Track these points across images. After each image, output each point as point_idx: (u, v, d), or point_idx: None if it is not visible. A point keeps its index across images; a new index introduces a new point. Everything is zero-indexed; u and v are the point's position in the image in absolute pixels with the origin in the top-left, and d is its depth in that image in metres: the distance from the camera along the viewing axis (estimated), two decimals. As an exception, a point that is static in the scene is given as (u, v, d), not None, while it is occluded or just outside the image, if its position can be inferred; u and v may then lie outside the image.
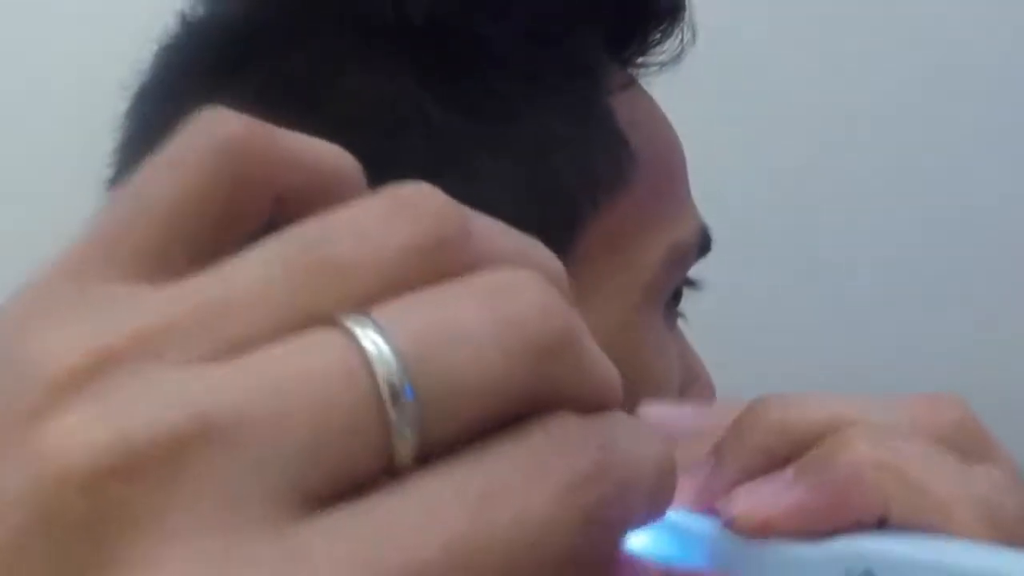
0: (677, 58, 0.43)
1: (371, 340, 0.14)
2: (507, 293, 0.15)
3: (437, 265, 0.15)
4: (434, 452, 0.14)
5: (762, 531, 0.23)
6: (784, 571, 0.23)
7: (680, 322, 0.42)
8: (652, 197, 0.37)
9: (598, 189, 0.35)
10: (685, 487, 0.25)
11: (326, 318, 0.15)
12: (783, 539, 0.23)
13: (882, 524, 0.23)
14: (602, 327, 0.30)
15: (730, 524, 0.23)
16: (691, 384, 0.41)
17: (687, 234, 0.38)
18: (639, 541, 0.24)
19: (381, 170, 0.18)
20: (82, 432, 0.13)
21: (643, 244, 0.36)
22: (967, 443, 0.25)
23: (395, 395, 0.14)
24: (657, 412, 0.28)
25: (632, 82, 0.41)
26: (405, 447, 0.14)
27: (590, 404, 0.16)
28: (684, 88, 0.42)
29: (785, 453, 0.24)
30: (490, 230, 0.17)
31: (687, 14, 0.42)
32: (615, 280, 0.34)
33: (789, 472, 0.24)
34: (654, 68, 0.43)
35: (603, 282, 0.34)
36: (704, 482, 0.25)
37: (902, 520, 0.23)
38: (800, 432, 0.24)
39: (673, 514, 0.23)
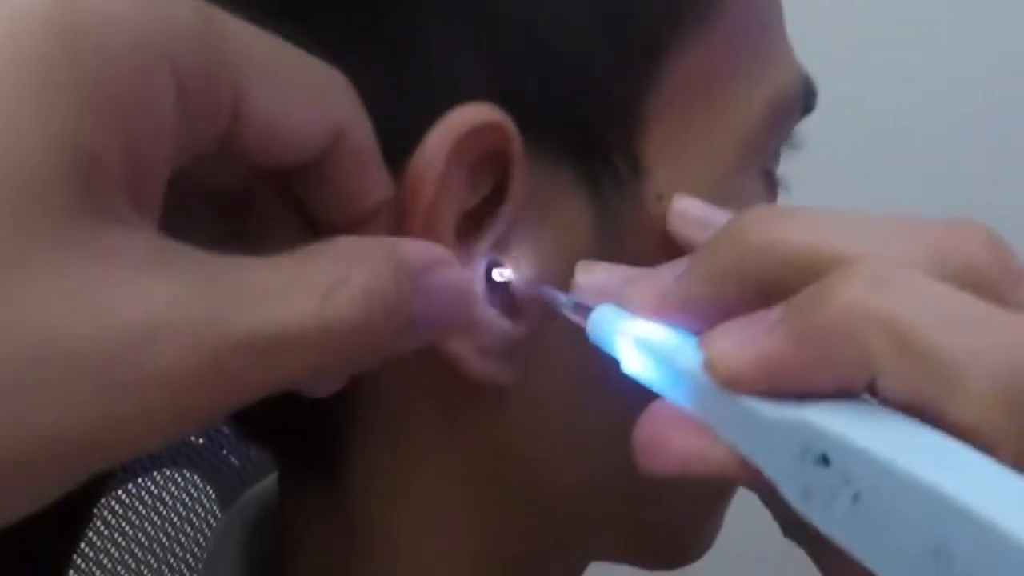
0: None
1: None
2: None
3: None
4: None
5: (732, 385, 0.20)
6: (746, 432, 0.20)
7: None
8: (746, 34, 0.30)
9: (683, 20, 0.28)
10: (646, 289, 0.24)
11: None
12: (755, 393, 0.20)
13: (873, 390, 0.19)
14: (695, 188, 0.28)
15: (706, 367, 0.21)
16: None
17: (790, 82, 0.31)
18: (635, 365, 0.23)
19: None
20: None
21: (740, 91, 0.30)
22: (996, 282, 0.19)
23: None
24: (689, 204, 0.26)
25: None
26: None
27: None
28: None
29: (764, 282, 0.21)
30: None
31: None
32: (710, 134, 0.29)
33: (775, 313, 0.20)
34: None
35: (695, 136, 0.29)
36: (663, 288, 0.23)
37: (895, 389, 0.19)
38: (780, 260, 0.21)
39: (666, 338, 0.22)
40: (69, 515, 0.36)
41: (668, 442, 0.22)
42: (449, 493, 0.31)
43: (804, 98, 0.32)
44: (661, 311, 0.23)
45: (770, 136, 0.31)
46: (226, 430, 0.53)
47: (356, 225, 0.25)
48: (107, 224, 0.18)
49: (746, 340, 0.20)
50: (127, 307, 0.18)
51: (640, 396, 0.24)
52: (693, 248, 0.27)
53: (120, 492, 0.49)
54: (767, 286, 0.21)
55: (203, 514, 0.51)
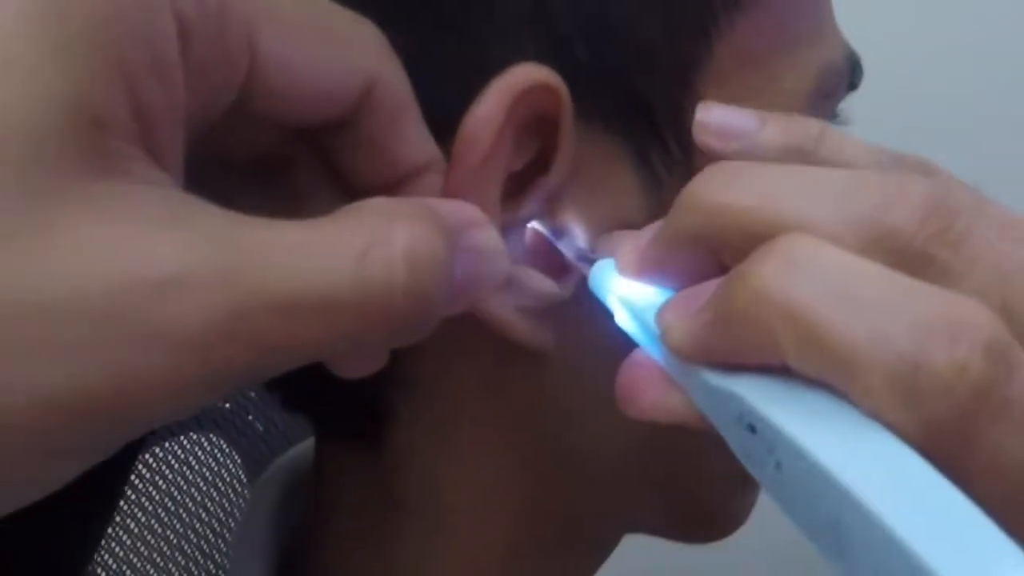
0: None
1: None
2: None
3: None
4: None
5: (679, 355, 0.21)
6: (703, 394, 0.21)
7: None
8: (796, 8, 0.30)
9: None
10: (628, 248, 0.24)
11: None
12: (698, 363, 0.21)
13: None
14: None
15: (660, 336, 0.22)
16: None
17: (838, 57, 0.31)
18: (623, 320, 0.24)
19: None
20: None
21: (789, 65, 0.30)
22: (921, 246, 0.20)
23: None
24: (710, 114, 0.26)
25: None
26: None
27: None
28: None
29: (715, 245, 0.21)
30: None
31: None
32: (758, 108, 0.28)
33: (711, 288, 0.21)
34: None
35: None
36: (640, 250, 0.24)
37: (803, 372, 0.19)
38: (728, 224, 0.21)
39: (644, 297, 0.24)
40: (104, 483, 0.36)
41: (642, 393, 0.23)
42: (491, 454, 0.30)
43: (850, 74, 0.32)
44: (639, 271, 0.24)
45: (817, 112, 0.30)
46: (252, 394, 0.53)
47: (396, 187, 0.24)
48: (116, 180, 0.18)
49: (684, 316, 0.21)
50: (136, 262, 0.17)
51: None
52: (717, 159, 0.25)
53: (147, 456, 0.49)
54: (719, 249, 0.21)
55: (228, 479, 0.51)
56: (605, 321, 0.28)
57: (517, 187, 0.26)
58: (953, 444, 0.18)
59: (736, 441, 0.21)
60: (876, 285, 0.19)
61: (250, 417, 0.53)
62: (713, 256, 0.22)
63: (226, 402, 0.52)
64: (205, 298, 0.17)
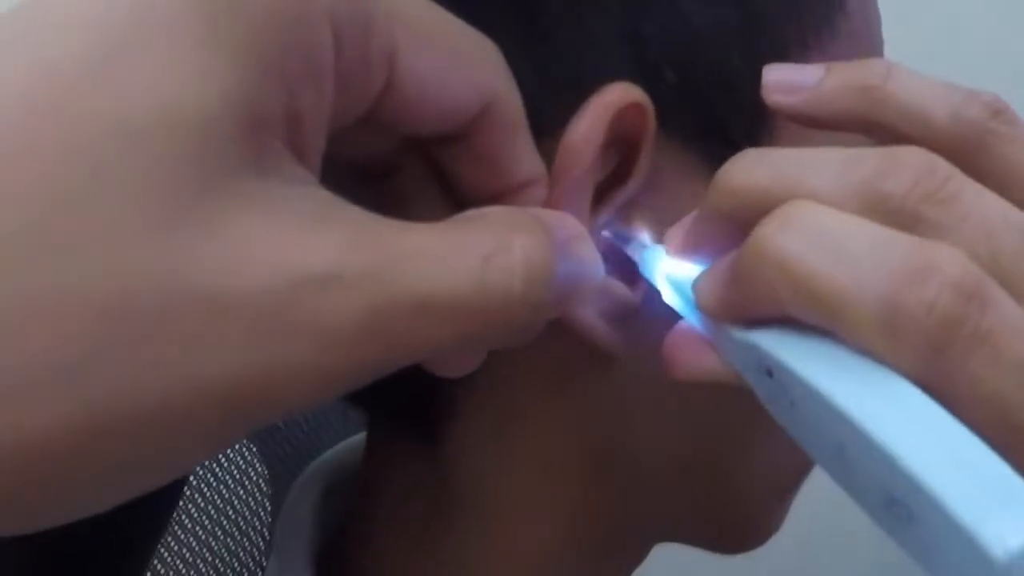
0: None
1: None
2: None
3: None
4: None
5: (709, 314, 0.24)
6: (731, 349, 0.24)
7: None
8: (864, 38, 0.32)
9: (807, 28, 0.29)
10: (676, 231, 0.26)
11: None
12: (725, 320, 0.23)
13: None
14: None
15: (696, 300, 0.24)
16: None
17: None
18: (671, 297, 0.26)
19: None
20: None
21: None
22: (913, 207, 0.21)
23: None
24: (785, 70, 0.27)
25: None
26: None
27: None
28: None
29: (742, 220, 0.23)
30: None
31: None
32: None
33: (729, 257, 0.23)
34: None
35: (820, 141, 0.28)
36: (683, 231, 0.26)
37: (807, 320, 0.21)
38: (750, 200, 0.23)
39: (687, 272, 0.26)
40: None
41: (682, 354, 0.25)
42: (545, 456, 0.31)
43: None
44: (681, 249, 0.26)
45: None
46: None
47: (500, 200, 0.25)
48: (274, 180, 0.19)
49: (712, 279, 0.24)
50: (293, 259, 0.18)
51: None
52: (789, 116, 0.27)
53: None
54: (744, 224, 0.23)
55: (255, 477, 0.52)
56: (667, 328, 0.29)
57: (597, 197, 0.27)
58: (936, 376, 0.20)
59: (760, 387, 0.23)
60: (860, 238, 0.21)
61: (278, 422, 0.53)
62: (741, 231, 0.23)
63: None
64: (353, 296, 0.18)
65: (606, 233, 0.28)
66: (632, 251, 0.28)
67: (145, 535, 0.37)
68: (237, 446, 0.52)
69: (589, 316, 0.27)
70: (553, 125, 0.26)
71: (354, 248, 0.19)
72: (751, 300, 0.22)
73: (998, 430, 0.20)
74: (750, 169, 0.23)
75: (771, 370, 0.22)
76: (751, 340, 0.23)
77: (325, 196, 0.20)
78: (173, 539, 0.48)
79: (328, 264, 0.18)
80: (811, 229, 0.21)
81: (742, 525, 0.37)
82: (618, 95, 0.26)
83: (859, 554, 0.95)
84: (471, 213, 0.22)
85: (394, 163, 0.26)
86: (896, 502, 0.19)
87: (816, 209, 0.21)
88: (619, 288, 0.28)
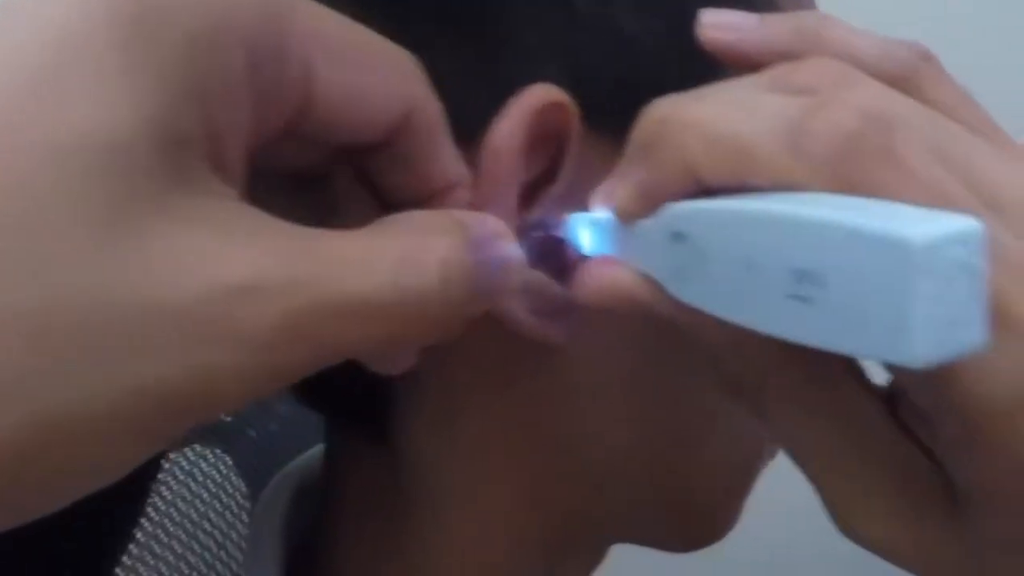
0: None
1: None
2: None
3: None
4: None
5: (625, 217, 0.25)
6: (640, 243, 0.25)
7: None
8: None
9: None
10: (603, 188, 0.27)
11: None
12: (642, 215, 0.24)
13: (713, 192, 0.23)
14: None
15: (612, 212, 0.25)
16: None
17: None
18: (586, 238, 0.27)
19: None
20: None
21: None
22: (816, 86, 0.23)
23: None
24: (719, 14, 0.27)
25: None
26: None
27: None
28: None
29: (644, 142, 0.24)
30: None
31: None
32: None
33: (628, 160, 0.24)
34: None
35: None
36: (611, 183, 0.26)
37: (716, 178, 0.22)
38: (660, 123, 0.24)
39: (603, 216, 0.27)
40: (130, 491, 0.37)
41: (593, 276, 0.25)
42: (494, 449, 0.32)
43: None
44: (603, 194, 0.26)
45: None
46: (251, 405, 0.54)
47: (427, 203, 0.26)
48: (196, 194, 0.20)
49: (622, 179, 0.25)
50: (215, 270, 0.19)
51: (686, 367, 0.25)
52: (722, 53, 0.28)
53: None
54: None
55: (231, 490, 0.52)
56: (607, 319, 0.30)
57: (528, 195, 0.28)
58: (843, 189, 0.21)
59: (669, 267, 0.24)
60: (771, 98, 0.22)
61: (247, 428, 0.54)
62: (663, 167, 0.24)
63: (227, 416, 0.53)
64: (272, 303, 0.20)
65: (539, 232, 0.29)
66: (569, 245, 0.28)
67: (105, 552, 0.37)
68: (212, 459, 0.52)
69: (517, 311, 0.28)
70: (486, 130, 0.27)
71: (272, 258, 0.20)
72: (660, 173, 0.23)
73: None
74: (667, 102, 0.24)
75: (680, 231, 0.23)
76: (662, 212, 0.23)
77: (246, 210, 0.21)
78: (149, 554, 0.49)
79: (248, 274, 0.20)
80: (724, 96, 0.23)
81: (694, 522, 0.37)
82: (537, 96, 0.27)
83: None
84: (391, 218, 0.23)
85: (326, 172, 0.27)
86: (805, 274, 0.20)
87: (729, 84, 0.23)
88: (549, 283, 0.28)
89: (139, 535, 0.49)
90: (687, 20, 0.27)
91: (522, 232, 0.28)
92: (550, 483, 0.33)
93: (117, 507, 0.35)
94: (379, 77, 0.24)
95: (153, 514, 0.49)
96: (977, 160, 0.22)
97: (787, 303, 0.20)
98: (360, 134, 0.24)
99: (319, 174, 0.27)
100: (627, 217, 0.25)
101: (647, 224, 0.24)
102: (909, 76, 0.24)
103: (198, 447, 0.51)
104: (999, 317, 0.19)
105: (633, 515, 0.36)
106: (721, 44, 0.26)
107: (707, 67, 0.29)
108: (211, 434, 0.52)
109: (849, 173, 0.20)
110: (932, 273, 0.18)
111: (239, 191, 0.22)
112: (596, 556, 0.38)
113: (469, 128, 0.27)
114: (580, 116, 0.28)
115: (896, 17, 0.98)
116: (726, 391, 0.24)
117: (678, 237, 0.23)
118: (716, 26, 0.26)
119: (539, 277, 0.28)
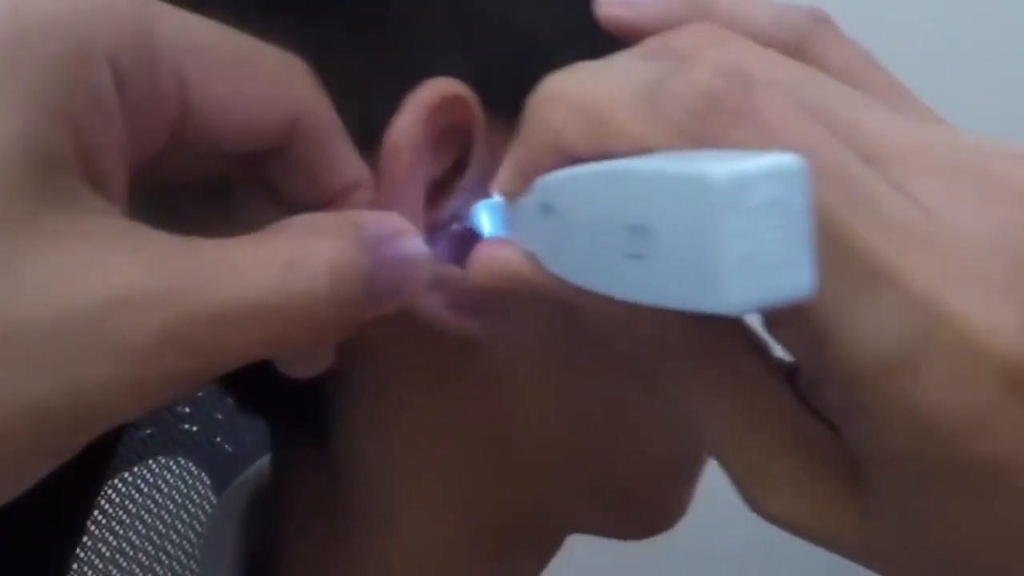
0: None
1: None
2: None
3: None
4: None
5: (505, 191, 0.24)
6: (521, 221, 0.24)
7: None
8: None
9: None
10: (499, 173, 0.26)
11: None
12: (522, 193, 0.24)
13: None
14: None
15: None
16: None
17: None
18: (486, 225, 0.26)
19: None
20: None
21: None
22: (676, 46, 0.22)
23: None
24: None
25: None
26: None
27: None
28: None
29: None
30: None
31: None
32: None
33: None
34: None
35: None
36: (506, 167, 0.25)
37: (581, 147, 0.22)
38: (547, 100, 0.23)
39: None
40: (70, 508, 0.37)
41: (481, 259, 0.25)
42: (430, 448, 0.32)
43: None
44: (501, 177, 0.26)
45: None
46: (219, 416, 0.54)
47: (329, 205, 0.26)
48: (70, 211, 0.20)
49: (505, 162, 0.24)
50: (88, 284, 0.19)
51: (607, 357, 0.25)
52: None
53: (116, 481, 0.50)
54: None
55: (198, 500, 0.52)
56: (533, 312, 0.29)
57: (440, 191, 0.27)
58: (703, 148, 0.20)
59: (544, 243, 0.23)
60: (637, 64, 0.22)
61: (219, 439, 0.53)
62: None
63: (194, 426, 0.53)
64: (153, 313, 0.19)
65: (457, 225, 0.28)
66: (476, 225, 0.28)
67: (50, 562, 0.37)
68: (176, 470, 0.52)
69: (431, 306, 0.27)
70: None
71: (150, 269, 0.20)
72: (533, 150, 0.23)
73: None
74: (548, 82, 0.24)
75: (549, 203, 0.22)
76: (534, 186, 0.23)
77: (125, 224, 0.21)
78: (115, 567, 0.48)
79: (124, 286, 0.19)
80: (595, 67, 0.22)
81: (640, 511, 0.37)
82: (434, 91, 0.26)
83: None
84: (284, 222, 0.23)
85: (225, 181, 0.26)
86: (638, 230, 0.19)
87: (609, 57, 0.23)
88: (463, 277, 0.28)
89: (103, 549, 0.49)
90: (587, 12, 0.27)
91: (437, 227, 0.27)
92: (490, 479, 0.33)
93: (53, 530, 0.35)
94: (259, 82, 0.24)
95: (118, 528, 0.49)
96: (860, 115, 0.21)
97: (627, 263, 0.20)
98: (248, 141, 0.24)
99: (221, 184, 0.26)
100: (510, 196, 0.24)
101: (524, 201, 0.24)
102: (802, 41, 0.24)
103: (162, 458, 0.51)
104: (873, 275, 0.19)
105: (577, 507, 0.35)
106: (618, 21, 0.26)
107: (609, 48, 0.28)
108: (175, 444, 0.51)
109: (704, 132, 0.20)
110: (738, 211, 0.17)
111: (122, 205, 0.22)
112: (549, 548, 0.38)
113: (375, 128, 0.26)
114: (486, 107, 0.27)
115: (897, 17, 0.97)
116: (631, 374, 0.24)
117: (547, 209, 0.23)
118: (613, 3, 0.26)
119: (452, 271, 0.28)
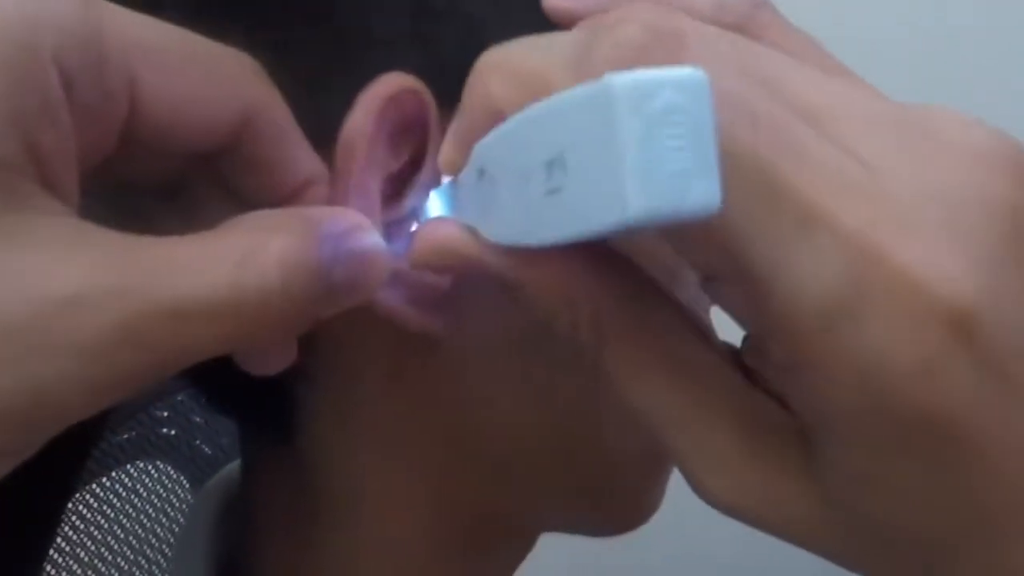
0: None
1: None
2: None
3: None
4: None
5: (449, 169, 0.24)
6: (463, 194, 0.24)
7: None
8: None
9: None
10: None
11: None
12: (462, 167, 0.24)
13: None
14: None
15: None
16: None
17: None
18: (435, 209, 0.26)
19: None
20: None
21: None
22: (602, 21, 0.22)
23: None
24: None
25: None
26: None
27: None
28: None
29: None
30: None
31: None
32: None
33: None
34: None
35: None
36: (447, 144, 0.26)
37: (507, 104, 0.22)
38: (483, 73, 0.24)
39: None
40: (41, 513, 0.37)
41: (424, 239, 0.24)
42: (396, 443, 0.32)
43: None
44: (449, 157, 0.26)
45: None
46: (198, 420, 0.54)
47: (285, 202, 0.26)
48: (22, 212, 0.20)
49: (447, 136, 0.24)
50: (44, 282, 0.19)
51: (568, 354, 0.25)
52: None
53: (94, 486, 0.50)
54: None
55: (178, 504, 0.52)
56: (493, 306, 0.29)
57: (398, 187, 0.27)
58: None
59: (478, 208, 0.23)
60: (556, 38, 0.22)
61: (198, 442, 0.53)
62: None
63: (172, 429, 0.53)
64: (105, 311, 0.20)
65: (415, 221, 0.28)
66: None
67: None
68: (155, 474, 0.52)
69: (391, 301, 0.27)
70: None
71: (102, 268, 0.20)
72: (471, 120, 0.23)
73: None
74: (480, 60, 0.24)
75: (483, 167, 0.22)
76: (471, 155, 0.23)
77: (77, 224, 0.21)
78: (94, 572, 0.48)
79: (76, 285, 0.20)
80: (526, 40, 0.23)
81: (611, 507, 0.36)
82: (386, 86, 0.26)
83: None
84: (237, 219, 0.23)
85: (182, 179, 0.26)
86: (553, 163, 0.19)
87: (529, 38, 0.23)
88: (421, 273, 0.28)
89: (82, 554, 0.49)
90: (538, 5, 0.27)
91: (397, 223, 0.27)
92: (456, 476, 0.32)
93: (23, 536, 0.35)
94: (209, 80, 0.24)
95: (96, 533, 0.49)
96: (792, 75, 0.21)
97: (547, 203, 0.19)
98: (201, 139, 0.24)
99: (179, 182, 0.26)
100: (453, 170, 0.24)
101: (464, 173, 0.24)
102: (743, 24, 0.24)
103: (140, 463, 0.51)
104: (807, 218, 0.19)
105: (547, 505, 0.35)
106: (563, 11, 0.26)
107: None
108: (153, 448, 0.51)
109: None
110: (640, 116, 0.17)
111: (73, 206, 0.22)
112: (522, 547, 0.37)
113: (332, 126, 0.26)
114: (440, 101, 0.27)
115: (897, 18, 0.98)
116: (577, 357, 0.24)
117: (481, 174, 0.22)
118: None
119: (407, 266, 0.28)
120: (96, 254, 0.20)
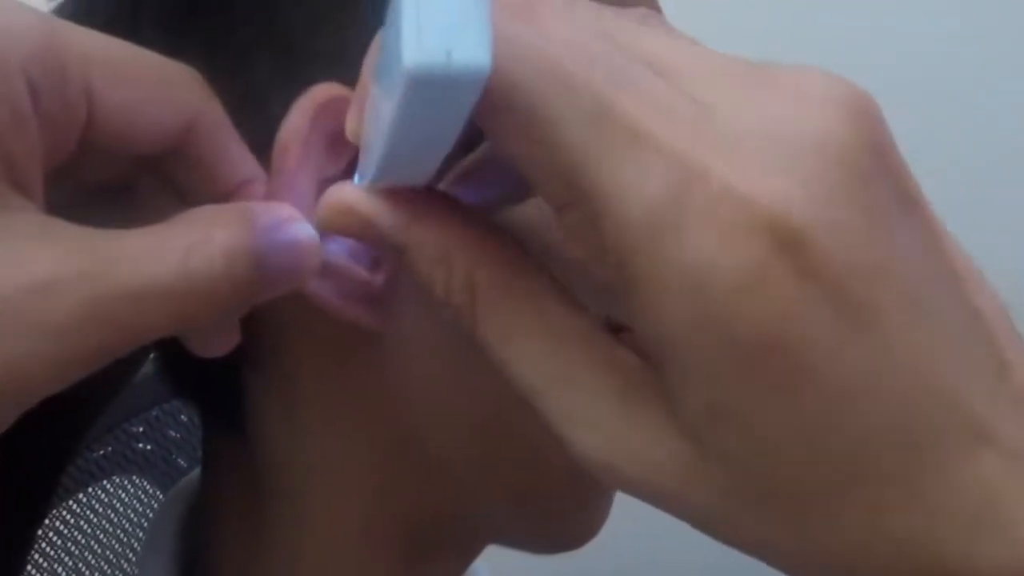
0: None
1: None
2: None
3: None
4: None
5: (353, 137, 0.25)
6: (371, 106, 0.24)
7: None
8: None
9: None
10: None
11: None
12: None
13: None
14: None
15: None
16: None
17: None
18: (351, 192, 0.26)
19: None
20: None
21: None
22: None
23: None
24: None
25: None
26: None
27: None
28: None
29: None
30: None
31: None
32: None
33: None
34: None
35: None
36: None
37: None
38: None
39: None
40: (16, 531, 0.38)
41: (324, 200, 0.25)
42: (337, 435, 0.32)
43: None
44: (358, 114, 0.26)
45: None
46: (173, 434, 0.54)
47: (225, 199, 0.28)
48: None
49: (349, 110, 0.25)
50: (15, 270, 0.22)
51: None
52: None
53: (71, 502, 0.50)
54: None
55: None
56: (422, 304, 0.30)
57: None
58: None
59: (389, 73, 0.22)
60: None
61: (174, 456, 0.54)
62: None
63: (147, 444, 0.53)
64: (71, 294, 0.22)
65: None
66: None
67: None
68: (131, 488, 0.52)
69: (323, 293, 0.29)
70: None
71: (67, 256, 0.22)
72: (363, 84, 0.24)
73: None
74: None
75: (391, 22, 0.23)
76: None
77: (44, 219, 0.23)
78: (72, 587, 0.49)
79: (46, 272, 0.22)
80: None
81: (553, 522, 0.37)
82: (320, 94, 0.28)
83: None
84: (184, 213, 0.25)
85: (133, 179, 0.28)
86: (390, 72, 0.20)
87: None
88: (352, 267, 0.29)
89: (60, 570, 0.49)
90: None
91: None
92: (400, 475, 0.33)
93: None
94: (156, 90, 0.26)
95: (73, 548, 0.49)
96: (642, 33, 0.22)
97: (388, 103, 0.21)
98: (149, 143, 0.26)
99: (130, 182, 0.28)
100: (355, 139, 0.25)
101: (374, 90, 0.24)
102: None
103: (117, 478, 0.51)
104: (634, 138, 0.20)
105: (492, 510, 0.35)
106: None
107: None
108: (129, 464, 0.52)
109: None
110: None
111: (39, 204, 0.24)
112: (463, 557, 0.38)
113: (271, 134, 0.28)
114: None
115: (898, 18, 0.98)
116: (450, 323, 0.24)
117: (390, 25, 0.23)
118: None
119: (341, 260, 0.29)
120: (64, 245, 0.23)
